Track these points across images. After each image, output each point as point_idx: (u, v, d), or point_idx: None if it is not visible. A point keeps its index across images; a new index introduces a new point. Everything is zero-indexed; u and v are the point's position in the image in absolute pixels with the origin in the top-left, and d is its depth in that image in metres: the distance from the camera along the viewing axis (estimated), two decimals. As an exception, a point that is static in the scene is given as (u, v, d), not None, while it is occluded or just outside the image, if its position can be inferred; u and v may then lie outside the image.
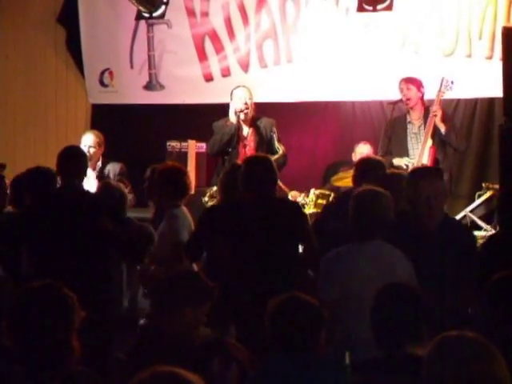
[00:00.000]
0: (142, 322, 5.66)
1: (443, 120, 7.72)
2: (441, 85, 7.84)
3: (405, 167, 7.47)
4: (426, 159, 7.66)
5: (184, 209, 5.84)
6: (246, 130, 7.84)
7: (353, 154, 8.51)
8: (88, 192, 6.04)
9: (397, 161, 7.67)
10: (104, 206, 5.73)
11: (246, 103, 7.75)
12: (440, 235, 4.87)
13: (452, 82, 7.84)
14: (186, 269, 4.27)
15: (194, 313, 3.66)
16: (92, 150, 7.77)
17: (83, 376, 3.13)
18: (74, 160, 5.74)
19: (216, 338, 4.14)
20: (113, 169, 7.81)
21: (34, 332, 3.09)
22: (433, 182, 4.90)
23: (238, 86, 7.97)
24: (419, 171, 5.37)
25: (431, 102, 7.86)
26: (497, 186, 7.11)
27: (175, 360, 2.59)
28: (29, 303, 3.17)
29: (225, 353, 3.97)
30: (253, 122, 7.84)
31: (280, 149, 7.58)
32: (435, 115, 7.67)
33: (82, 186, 5.82)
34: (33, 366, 3.08)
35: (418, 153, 7.69)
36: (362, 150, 8.41)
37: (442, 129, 7.69)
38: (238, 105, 7.75)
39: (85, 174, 5.83)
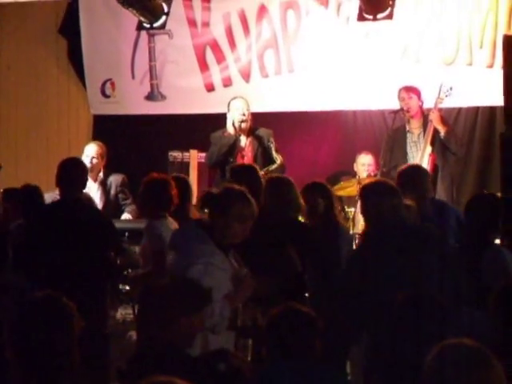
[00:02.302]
0: (130, 333, 5.74)
1: (442, 122, 7.71)
2: (439, 91, 7.84)
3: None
4: (425, 166, 7.64)
5: (166, 221, 5.80)
6: (244, 141, 7.84)
7: (354, 165, 8.51)
8: (94, 208, 6.11)
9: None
10: (113, 230, 5.79)
11: (243, 114, 7.76)
12: None
13: (451, 88, 7.84)
14: (178, 276, 4.20)
15: (190, 321, 3.63)
16: (95, 161, 7.77)
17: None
18: (75, 171, 5.75)
19: (217, 348, 4.13)
20: (115, 180, 7.81)
21: (35, 343, 3.09)
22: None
23: (235, 97, 7.96)
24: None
25: (430, 110, 7.85)
26: (498, 195, 7.09)
27: (175, 370, 2.59)
28: (29, 315, 3.17)
29: (226, 363, 3.96)
30: (250, 133, 7.84)
31: (278, 159, 7.55)
32: (431, 119, 7.65)
33: (82, 199, 5.87)
34: (34, 378, 3.08)
35: (417, 160, 7.69)
36: (364, 161, 8.42)
37: (442, 131, 7.68)
38: (236, 116, 7.75)
39: (85, 186, 5.85)
